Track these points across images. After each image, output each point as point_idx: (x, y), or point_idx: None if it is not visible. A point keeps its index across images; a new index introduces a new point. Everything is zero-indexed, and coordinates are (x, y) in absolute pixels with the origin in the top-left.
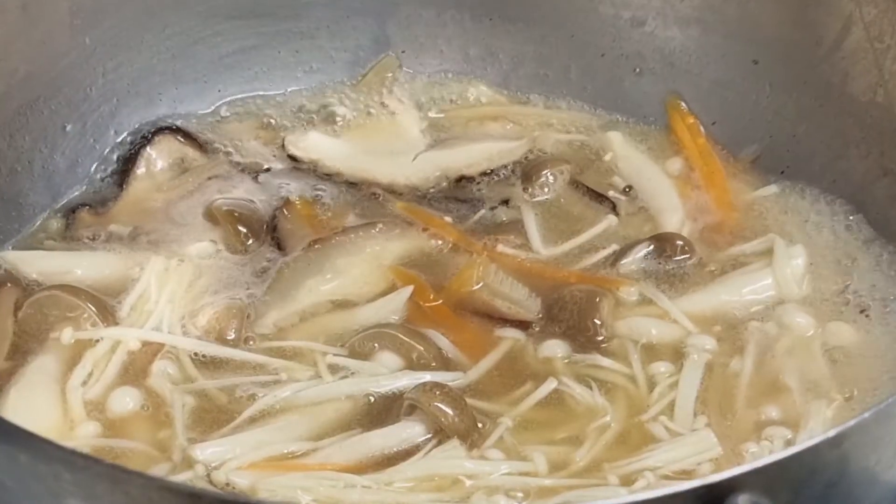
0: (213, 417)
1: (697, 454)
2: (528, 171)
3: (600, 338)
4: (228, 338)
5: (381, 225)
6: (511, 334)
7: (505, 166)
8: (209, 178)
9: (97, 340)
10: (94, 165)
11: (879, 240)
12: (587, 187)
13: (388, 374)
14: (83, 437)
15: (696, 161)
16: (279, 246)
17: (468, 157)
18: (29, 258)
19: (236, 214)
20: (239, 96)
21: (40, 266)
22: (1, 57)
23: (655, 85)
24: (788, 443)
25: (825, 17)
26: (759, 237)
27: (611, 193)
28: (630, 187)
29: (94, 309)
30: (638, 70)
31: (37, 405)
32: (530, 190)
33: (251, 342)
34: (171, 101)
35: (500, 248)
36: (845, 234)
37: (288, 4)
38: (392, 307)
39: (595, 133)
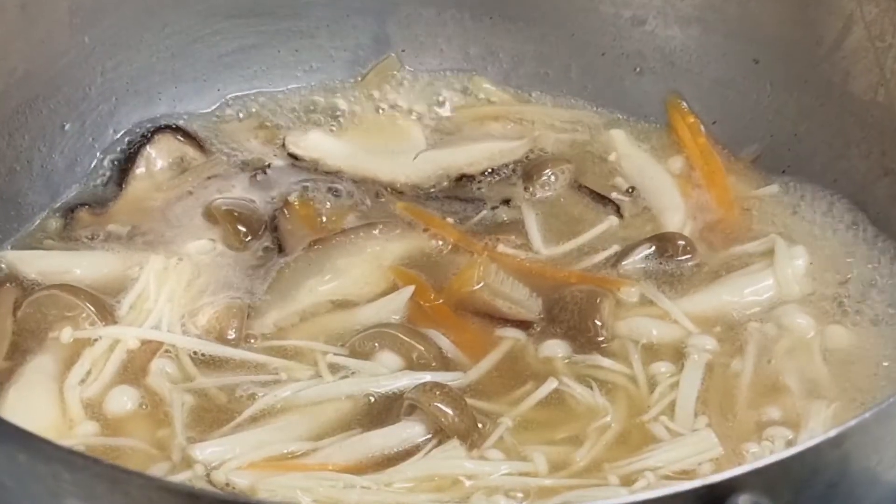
0: (212, 417)
1: (698, 454)
2: (529, 170)
3: (601, 338)
4: (229, 337)
5: (381, 225)
6: (511, 334)
7: (506, 165)
8: (208, 178)
9: (96, 339)
10: (93, 164)
11: (880, 239)
12: (591, 190)
13: (388, 374)
14: (82, 436)
15: (697, 160)
16: (279, 246)
17: (469, 156)
18: (28, 258)
19: (236, 214)
20: (239, 95)
21: (39, 265)
22: (0, 56)
23: (656, 84)
24: (789, 443)
25: (826, 15)
26: (760, 237)
27: (614, 195)
28: (633, 188)
29: (92, 308)
30: (638, 69)
31: (36, 404)
32: (531, 189)
33: (251, 341)
34: (171, 100)
35: (501, 248)
36: (846, 234)
37: (288, 3)
38: (393, 307)
39: (596, 132)
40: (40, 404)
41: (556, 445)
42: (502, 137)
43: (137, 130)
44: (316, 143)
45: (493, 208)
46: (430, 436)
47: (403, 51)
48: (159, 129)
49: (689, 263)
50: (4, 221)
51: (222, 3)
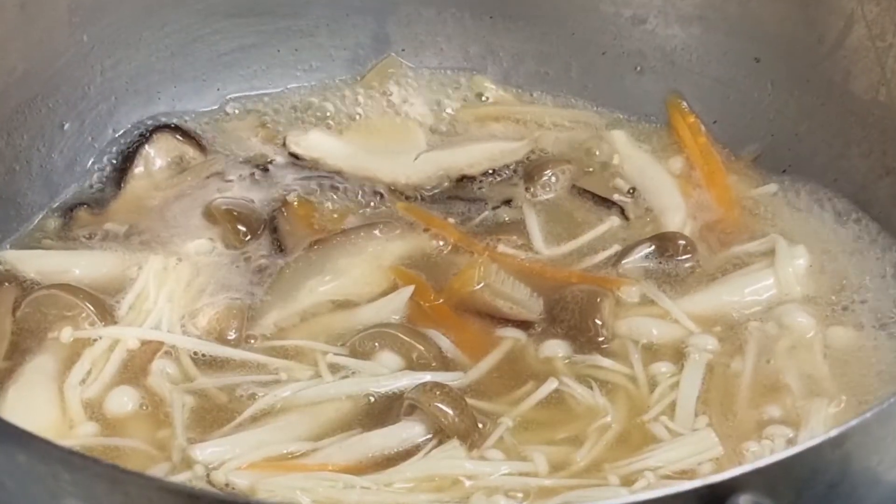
0: (212, 417)
1: (698, 454)
2: (530, 171)
3: (601, 338)
4: (229, 338)
5: (381, 225)
6: (512, 334)
7: (507, 166)
8: (207, 177)
9: (96, 339)
10: (92, 164)
11: (881, 239)
12: (593, 194)
13: (388, 374)
14: (82, 436)
15: (697, 160)
16: (280, 247)
17: (470, 156)
18: (27, 257)
19: (235, 213)
20: (238, 94)
21: (38, 265)
22: None
23: (656, 83)
24: (790, 442)
25: (827, 15)
26: (761, 236)
27: (616, 197)
28: (634, 189)
29: (92, 308)
30: (639, 68)
31: (35, 404)
32: (532, 190)
33: (252, 342)
34: (170, 100)
35: (502, 248)
36: (847, 234)
37: (287, 2)
38: (393, 307)
39: (596, 132)
40: (40, 404)
41: (557, 445)
42: (503, 138)
43: (136, 130)
44: (317, 143)
45: (494, 208)
46: (430, 436)
47: (403, 50)
48: (158, 129)
49: (690, 263)
50: (3, 221)
51: (222, 2)
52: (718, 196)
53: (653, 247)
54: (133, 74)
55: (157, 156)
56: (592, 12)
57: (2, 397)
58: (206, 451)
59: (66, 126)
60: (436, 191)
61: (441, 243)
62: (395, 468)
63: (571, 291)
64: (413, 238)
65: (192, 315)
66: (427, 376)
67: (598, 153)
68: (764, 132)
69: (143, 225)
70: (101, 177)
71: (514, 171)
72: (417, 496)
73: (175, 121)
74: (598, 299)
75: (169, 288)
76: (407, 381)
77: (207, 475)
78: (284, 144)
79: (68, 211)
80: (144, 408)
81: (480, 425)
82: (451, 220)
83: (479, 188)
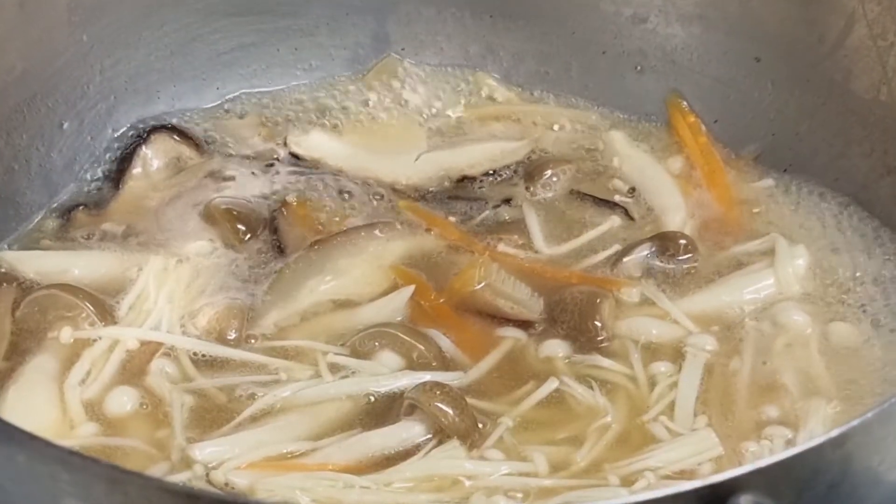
0: (212, 417)
1: (698, 454)
2: (530, 171)
3: (601, 338)
4: (229, 338)
5: (382, 225)
6: (512, 334)
7: (507, 166)
8: (205, 177)
9: (95, 339)
10: (91, 163)
11: (882, 238)
12: (594, 197)
13: (388, 374)
14: (81, 436)
15: (698, 159)
16: (280, 247)
17: (470, 157)
18: (26, 257)
19: (234, 213)
20: (238, 94)
21: (37, 265)
22: None
23: (657, 82)
24: (789, 442)
25: (828, 14)
26: (761, 236)
27: (617, 198)
28: (633, 189)
29: (92, 308)
30: (639, 68)
31: (35, 405)
32: (532, 190)
33: (252, 342)
34: (170, 99)
35: (502, 247)
36: (847, 233)
37: (287, 1)
38: (393, 306)
39: (597, 131)
40: (40, 404)
41: (557, 445)
42: (504, 138)
43: (135, 130)
44: (318, 143)
45: (495, 208)
46: (430, 436)
47: (403, 49)
48: (155, 129)
49: (690, 263)
50: (2, 221)
51: (221, 1)
52: (719, 196)
53: (653, 246)
54: (132, 74)
55: (154, 156)
56: (593, 11)
57: (1, 397)
58: (206, 451)
59: (66, 125)
60: (436, 191)
61: (442, 243)
62: (394, 468)
63: (571, 293)
64: (414, 237)
65: (192, 315)
66: (427, 376)
67: (598, 153)
68: (764, 132)
69: (141, 226)
70: (100, 177)
71: (515, 171)
72: (417, 496)
73: (174, 120)
74: (598, 300)
75: (169, 288)
76: (407, 380)
77: (207, 475)
78: (285, 144)
79: (66, 212)
80: (144, 408)
81: (480, 425)
82: (452, 219)
83: (480, 188)
